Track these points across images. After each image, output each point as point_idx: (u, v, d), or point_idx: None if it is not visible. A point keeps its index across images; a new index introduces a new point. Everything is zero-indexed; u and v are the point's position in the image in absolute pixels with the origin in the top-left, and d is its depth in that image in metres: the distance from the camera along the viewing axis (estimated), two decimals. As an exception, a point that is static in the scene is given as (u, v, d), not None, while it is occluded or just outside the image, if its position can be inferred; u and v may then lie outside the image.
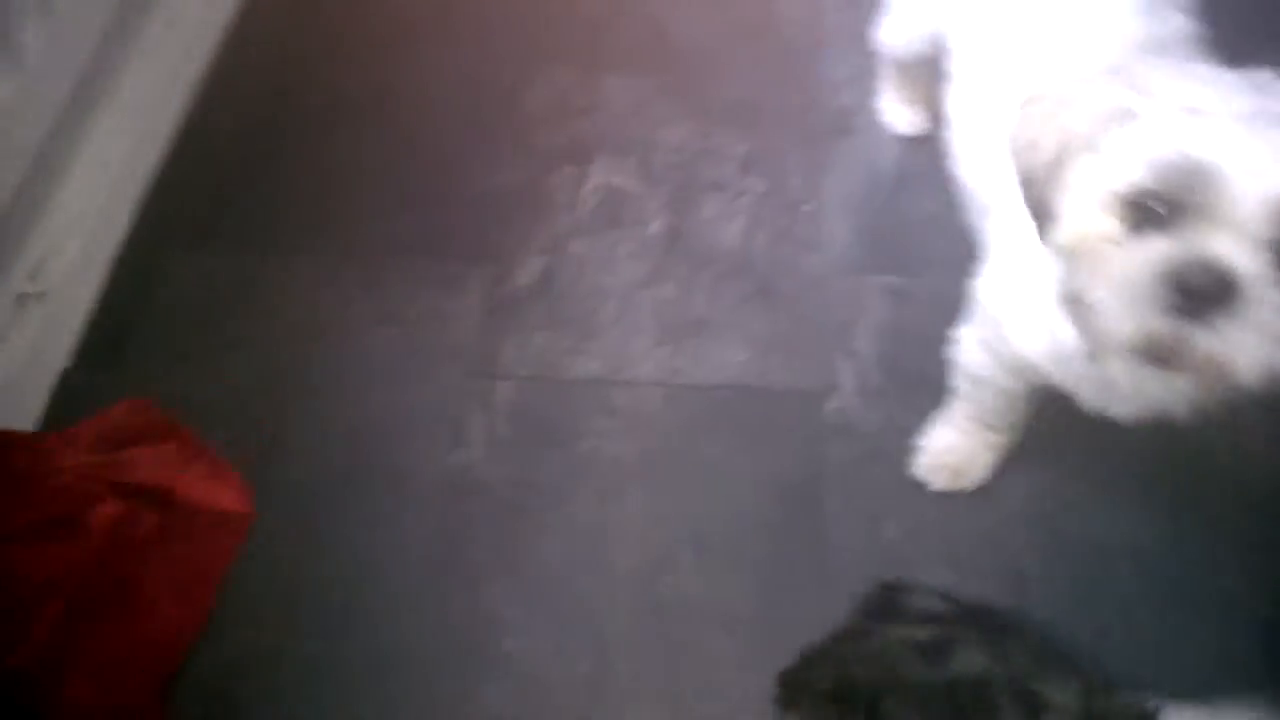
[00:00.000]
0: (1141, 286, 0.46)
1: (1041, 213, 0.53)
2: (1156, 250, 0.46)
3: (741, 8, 1.16)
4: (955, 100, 0.76)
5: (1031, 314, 0.62)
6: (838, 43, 1.11)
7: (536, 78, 1.11)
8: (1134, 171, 0.47)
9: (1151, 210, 0.47)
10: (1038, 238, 0.54)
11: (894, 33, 0.92)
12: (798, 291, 0.95)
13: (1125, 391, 0.55)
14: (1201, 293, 0.45)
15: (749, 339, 0.92)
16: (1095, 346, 0.52)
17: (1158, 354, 0.48)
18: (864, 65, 1.06)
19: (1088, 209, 0.49)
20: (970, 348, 0.72)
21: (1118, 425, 0.63)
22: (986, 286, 0.69)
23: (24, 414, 0.84)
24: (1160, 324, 0.46)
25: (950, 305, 0.74)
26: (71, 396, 0.88)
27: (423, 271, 0.97)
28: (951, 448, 0.81)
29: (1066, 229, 0.50)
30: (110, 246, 0.96)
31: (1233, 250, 0.45)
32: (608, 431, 0.86)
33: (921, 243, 0.97)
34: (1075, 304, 0.51)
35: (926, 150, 1.00)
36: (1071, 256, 0.51)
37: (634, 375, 0.90)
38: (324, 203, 1.03)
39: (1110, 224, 0.48)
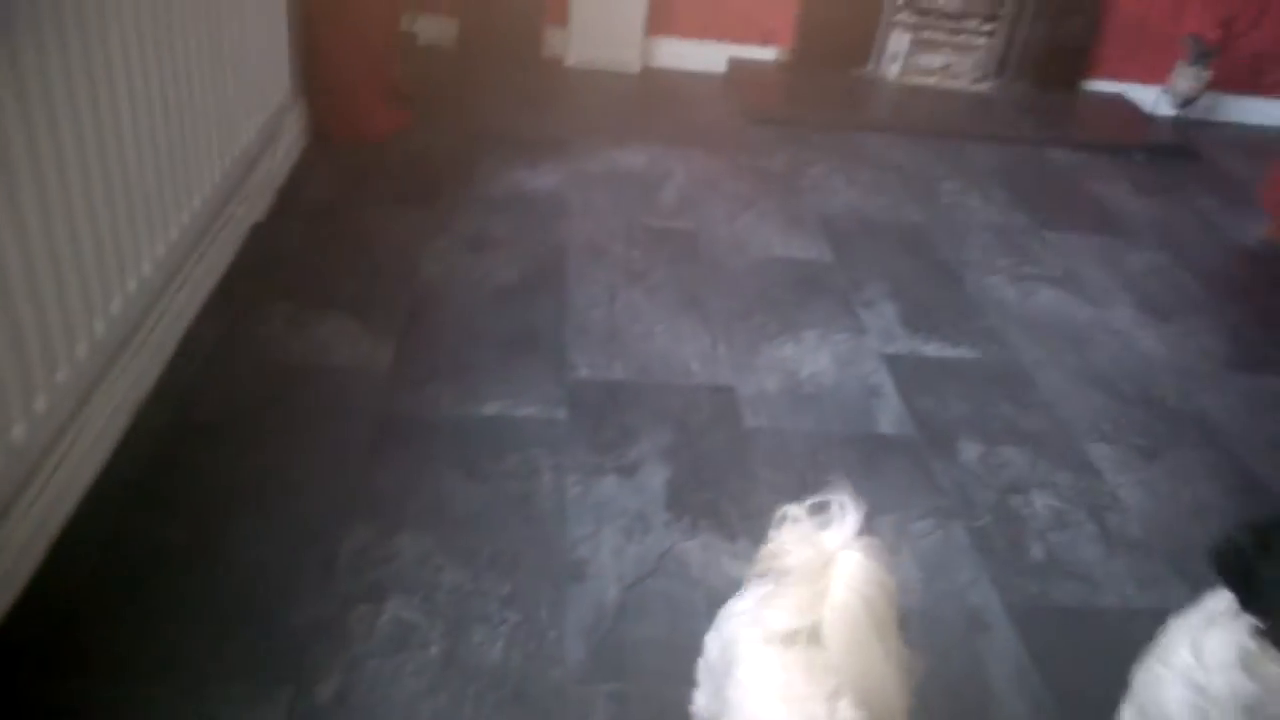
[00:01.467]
0: None
1: None
2: None
3: (504, 482, 1.57)
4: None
5: None
6: (578, 512, 1.53)
7: (344, 536, 1.43)
8: None
9: None
10: None
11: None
12: (543, 696, 1.23)
13: None
14: None
15: (505, 737, 1.18)
16: None
17: None
18: (594, 525, 1.48)
19: None
20: None
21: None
22: None
23: None
24: None
25: (661, 702, 1.06)
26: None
27: (238, 691, 1.18)
28: None
29: None
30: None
31: None
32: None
33: (637, 657, 1.30)
34: None
35: (638, 590, 1.38)
36: None
37: (411, 771, 1.12)
38: (159, 634, 1.24)
39: None
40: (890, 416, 1.85)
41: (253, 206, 2.19)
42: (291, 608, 1.31)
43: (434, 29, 3.52)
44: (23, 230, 1.18)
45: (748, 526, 1.54)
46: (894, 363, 2.01)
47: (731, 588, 1.42)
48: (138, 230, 1.51)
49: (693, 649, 1.31)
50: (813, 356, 2.01)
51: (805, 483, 1.65)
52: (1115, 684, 1.36)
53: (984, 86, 3.75)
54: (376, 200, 2.42)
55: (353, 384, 1.75)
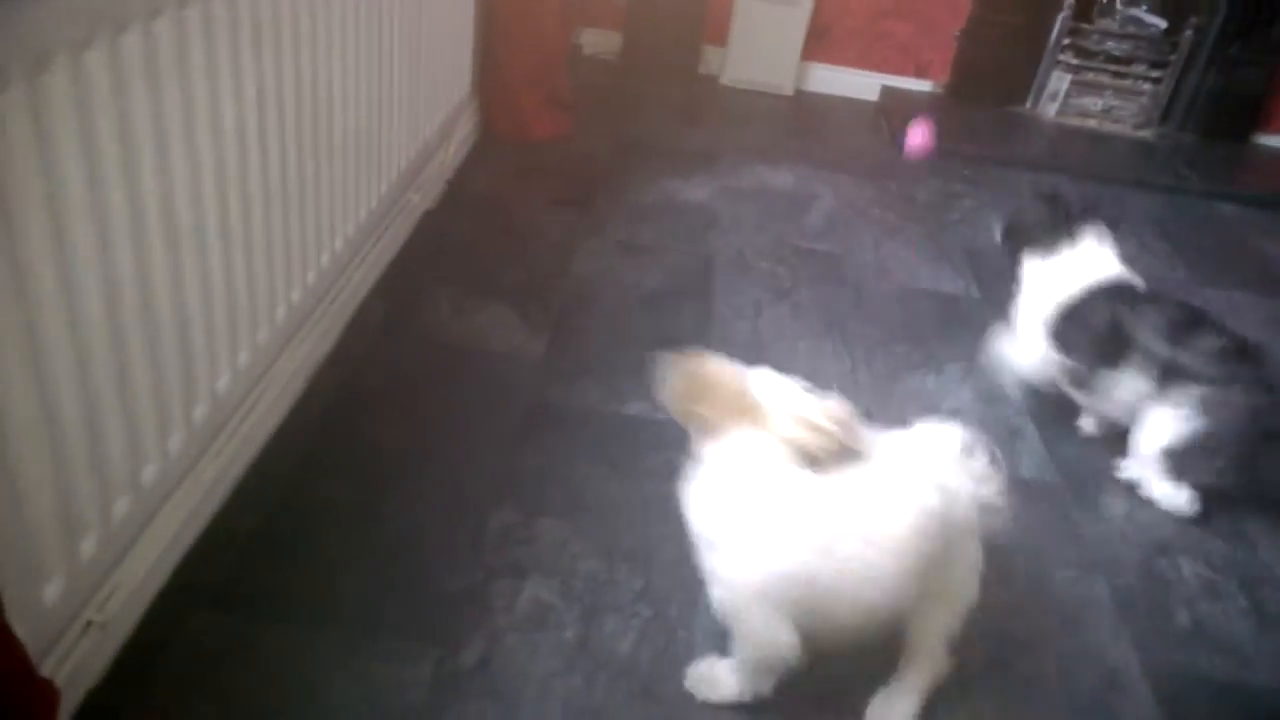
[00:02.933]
0: None
1: None
2: None
3: (643, 480, 1.62)
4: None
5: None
6: (710, 517, 1.56)
7: (491, 513, 1.51)
8: None
9: None
10: None
11: None
12: (673, 697, 1.27)
13: None
14: None
15: (634, 725, 1.22)
16: None
17: None
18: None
19: None
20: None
21: None
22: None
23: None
24: None
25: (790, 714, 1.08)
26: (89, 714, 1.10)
27: (388, 647, 1.26)
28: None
29: None
30: (150, 594, 1.23)
31: None
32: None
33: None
34: None
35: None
36: None
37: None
38: (322, 585, 1.34)
39: None
40: (1032, 460, 1.82)
41: (426, 195, 2.32)
42: (442, 575, 1.38)
43: (599, 41, 3.63)
44: (248, 204, 1.30)
45: (880, 553, 1.54)
46: (1037, 403, 1.98)
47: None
48: (335, 209, 1.63)
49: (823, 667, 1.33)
50: (955, 391, 1.99)
51: (941, 517, 1.64)
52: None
53: (1147, 133, 3.62)
54: (536, 199, 2.52)
55: (507, 370, 1.83)
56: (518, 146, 2.78)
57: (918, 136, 2.95)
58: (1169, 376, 1.71)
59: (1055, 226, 1.88)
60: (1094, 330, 1.78)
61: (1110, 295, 1.79)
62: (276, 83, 1.33)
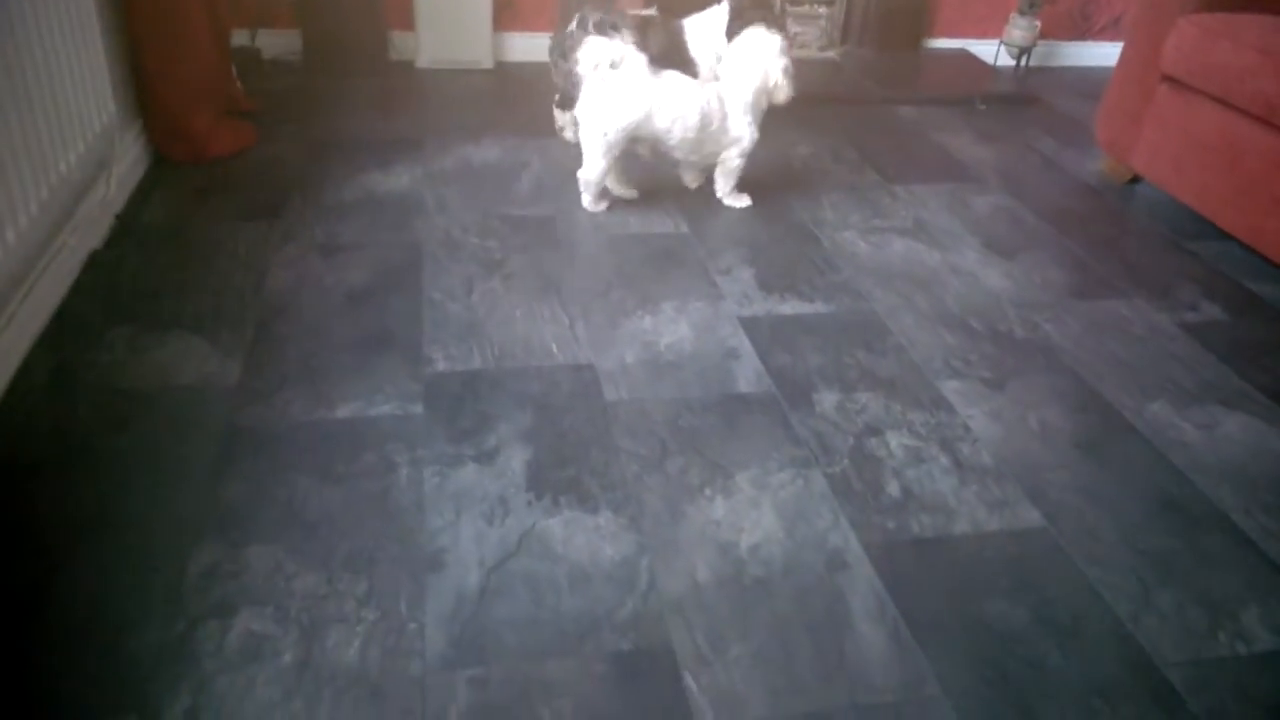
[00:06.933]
0: None
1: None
2: None
3: (359, 482, 1.54)
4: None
5: None
6: (437, 502, 1.51)
7: (190, 556, 1.39)
8: None
9: None
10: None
11: None
12: (403, 689, 1.22)
13: None
14: None
15: (364, 734, 1.16)
16: None
17: None
18: (453, 514, 1.47)
19: None
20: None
21: None
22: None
23: None
24: None
25: (523, 682, 1.05)
26: None
27: (76, 727, 1.14)
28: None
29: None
30: None
31: None
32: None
33: (499, 640, 1.30)
34: None
35: (500, 573, 1.38)
36: None
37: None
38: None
39: None
40: (749, 376, 1.89)
41: (87, 235, 2.10)
42: (133, 636, 1.26)
43: (279, 43, 3.44)
44: None
45: (610, 497, 1.55)
46: (751, 325, 2.05)
47: (594, 559, 1.43)
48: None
49: (555, 624, 1.32)
50: (671, 326, 2.03)
51: (666, 448, 1.67)
52: (968, 603, 1.42)
53: (832, 53, 3.85)
54: (221, 217, 2.35)
55: (198, 402, 1.70)
56: (195, 166, 2.58)
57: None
58: None
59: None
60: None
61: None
62: None
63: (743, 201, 2.60)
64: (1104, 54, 4.06)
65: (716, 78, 2.59)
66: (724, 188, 2.58)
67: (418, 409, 1.72)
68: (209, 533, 1.43)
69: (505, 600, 1.36)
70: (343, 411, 1.70)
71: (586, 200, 2.50)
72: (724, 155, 2.51)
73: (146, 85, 2.49)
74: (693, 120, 2.39)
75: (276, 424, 1.66)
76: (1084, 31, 4.08)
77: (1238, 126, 2.46)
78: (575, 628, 1.32)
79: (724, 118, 2.44)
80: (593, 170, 2.43)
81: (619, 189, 2.58)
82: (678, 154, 2.51)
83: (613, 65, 2.29)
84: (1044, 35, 3.89)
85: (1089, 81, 3.86)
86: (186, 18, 2.53)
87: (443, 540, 1.45)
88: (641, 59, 2.33)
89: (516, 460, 1.62)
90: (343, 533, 1.45)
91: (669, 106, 2.35)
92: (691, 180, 2.66)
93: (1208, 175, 2.56)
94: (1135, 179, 2.94)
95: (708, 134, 2.44)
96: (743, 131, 2.46)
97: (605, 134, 2.35)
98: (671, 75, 2.41)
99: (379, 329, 1.95)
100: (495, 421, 1.71)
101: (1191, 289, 2.37)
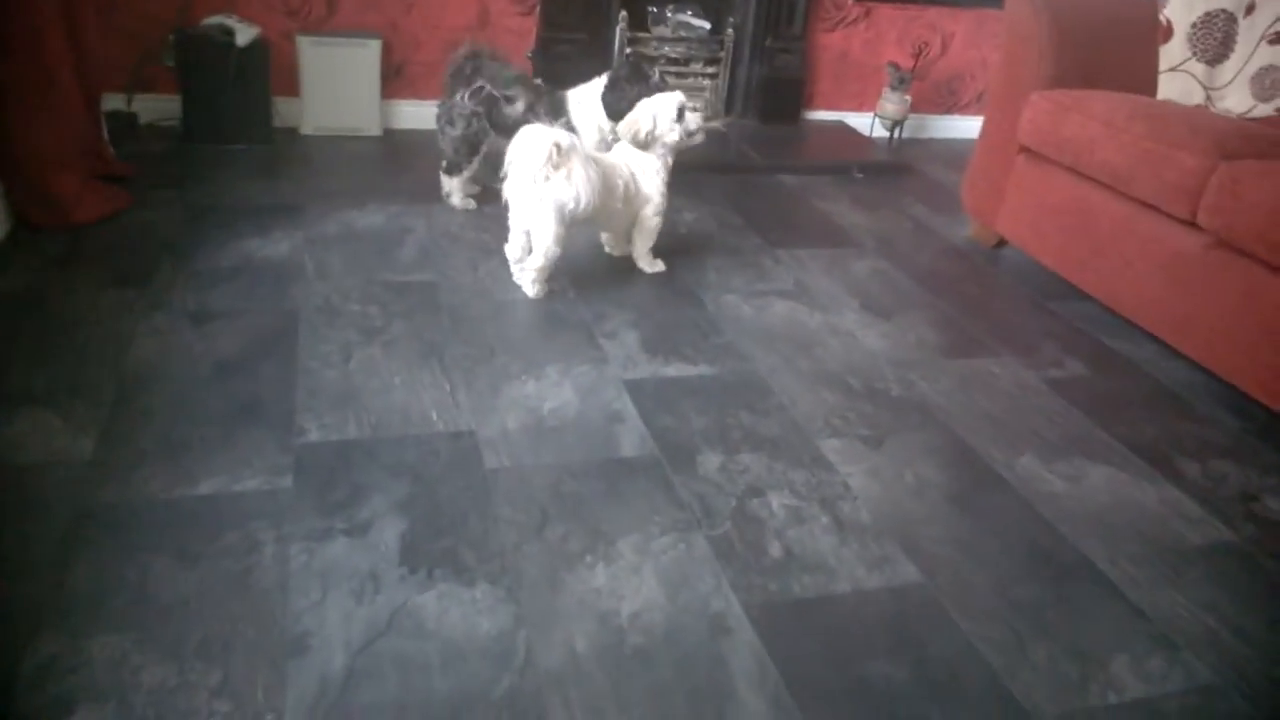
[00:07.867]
0: None
1: None
2: None
3: (218, 562, 1.46)
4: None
5: None
6: (303, 581, 1.44)
7: (25, 651, 1.28)
8: None
9: None
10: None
11: None
12: (257, 786, 1.14)
13: None
14: None
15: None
16: None
17: None
18: (319, 592, 1.40)
19: None
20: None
21: None
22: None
23: None
24: None
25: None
26: None
27: None
28: None
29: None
30: None
31: None
32: None
33: (365, 725, 1.23)
34: None
35: (367, 655, 1.31)
36: None
37: None
38: None
39: None
40: (632, 439, 1.88)
41: (-74, 305, 1.97)
42: (-47, 741, 1.15)
43: (158, 108, 3.35)
44: None
45: (487, 569, 1.51)
46: (635, 387, 2.05)
47: (469, 634, 1.38)
48: None
49: (425, 708, 1.26)
50: (555, 391, 2.01)
51: (547, 516, 1.64)
52: (849, 664, 1.42)
53: (717, 123, 3.96)
54: (85, 284, 2.24)
55: (44, 481, 1.59)
56: (60, 231, 2.46)
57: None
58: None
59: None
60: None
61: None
62: None
63: (657, 267, 2.63)
64: (969, 127, 4.30)
65: (607, 147, 2.64)
66: (641, 249, 2.61)
67: (286, 482, 1.65)
68: (48, 623, 1.32)
69: (372, 684, 1.29)
70: (205, 487, 1.61)
71: (536, 290, 2.41)
72: (641, 215, 2.55)
73: (7, 147, 2.38)
74: (619, 192, 2.42)
75: (131, 502, 1.56)
76: (950, 106, 4.32)
77: (1089, 194, 2.62)
78: (446, 710, 1.26)
79: (635, 180, 2.48)
80: (552, 255, 2.35)
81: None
82: (600, 223, 2.55)
83: (560, 152, 2.21)
84: (915, 109, 4.10)
85: (956, 152, 4.07)
86: (52, 79, 2.44)
87: (307, 622, 1.38)
88: (578, 140, 2.30)
89: (390, 532, 1.56)
90: (198, 618, 1.36)
91: (609, 183, 2.38)
92: (615, 248, 2.69)
93: (1064, 239, 2.71)
94: (1001, 243, 3.09)
95: (627, 200, 2.47)
96: (653, 190, 2.51)
97: (564, 219, 2.30)
98: (600, 152, 2.51)
99: (249, 399, 1.87)
100: (369, 493, 1.65)
101: (1055, 346, 2.49)
